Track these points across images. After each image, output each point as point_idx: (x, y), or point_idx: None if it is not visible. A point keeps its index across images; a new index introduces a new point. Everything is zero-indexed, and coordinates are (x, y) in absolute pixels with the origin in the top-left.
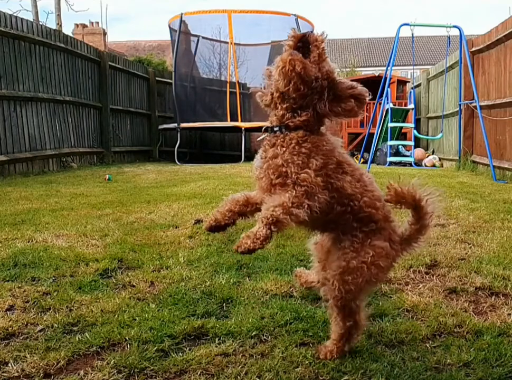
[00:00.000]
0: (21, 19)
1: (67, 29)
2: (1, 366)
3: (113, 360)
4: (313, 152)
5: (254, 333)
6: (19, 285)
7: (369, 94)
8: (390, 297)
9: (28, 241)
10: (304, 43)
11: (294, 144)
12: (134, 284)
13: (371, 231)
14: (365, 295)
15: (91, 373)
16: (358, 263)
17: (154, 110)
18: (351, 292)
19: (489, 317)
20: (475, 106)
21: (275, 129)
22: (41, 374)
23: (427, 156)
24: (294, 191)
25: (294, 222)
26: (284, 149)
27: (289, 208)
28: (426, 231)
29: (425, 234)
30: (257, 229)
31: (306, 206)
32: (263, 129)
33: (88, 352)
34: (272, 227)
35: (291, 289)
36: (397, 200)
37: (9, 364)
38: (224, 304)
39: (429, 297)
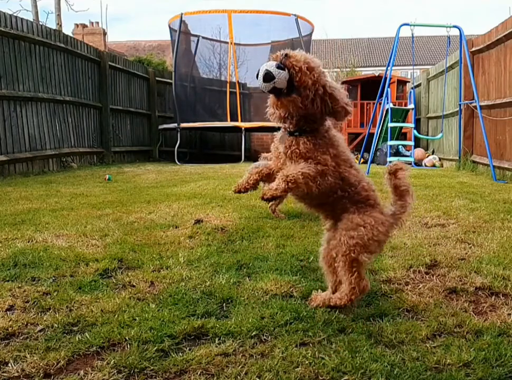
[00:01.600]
0: (21, 19)
1: (67, 29)
2: (1, 366)
3: (113, 360)
4: (329, 145)
5: (254, 333)
6: (19, 285)
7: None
8: (390, 297)
9: (28, 241)
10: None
11: (315, 140)
12: (134, 284)
13: (368, 206)
14: (369, 254)
15: (91, 373)
16: (361, 221)
17: (154, 110)
18: (357, 245)
19: (489, 317)
20: (475, 106)
21: (296, 133)
22: (41, 374)
23: (427, 156)
24: (314, 167)
25: (305, 189)
26: (308, 143)
27: (306, 176)
28: (407, 207)
29: (407, 209)
30: (277, 184)
31: (318, 182)
32: (280, 131)
33: (88, 352)
34: (290, 184)
35: (291, 289)
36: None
37: (9, 364)
38: (224, 304)
39: (429, 297)
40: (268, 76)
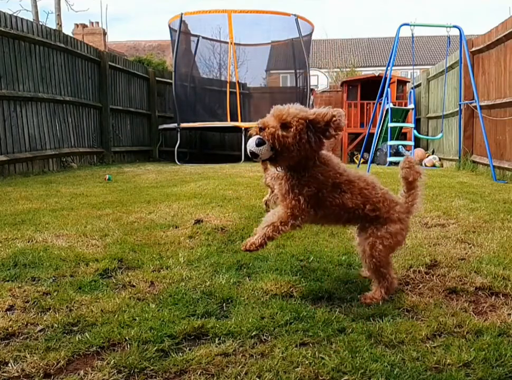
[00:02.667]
0: (21, 19)
1: (67, 29)
2: (1, 366)
3: (113, 360)
4: (310, 182)
5: (254, 333)
6: (19, 285)
7: (341, 116)
8: (390, 297)
9: (28, 241)
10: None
11: (296, 178)
12: (134, 284)
13: (383, 222)
14: (392, 254)
15: (91, 373)
16: (382, 234)
17: (154, 110)
18: (382, 256)
19: (489, 317)
20: (475, 106)
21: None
22: (41, 374)
23: (427, 156)
24: (284, 212)
25: (282, 233)
26: (290, 181)
27: (277, 226)
28: (419, 197)
29: (418, 199)
30: (255, 238)
31: (290, 224)
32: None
33: (88, 352)
34: (266, 239)
35: (291, 289)
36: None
37: (9, 364)
38: (224, 304)
39: (429, 297)
40: (254, 155)
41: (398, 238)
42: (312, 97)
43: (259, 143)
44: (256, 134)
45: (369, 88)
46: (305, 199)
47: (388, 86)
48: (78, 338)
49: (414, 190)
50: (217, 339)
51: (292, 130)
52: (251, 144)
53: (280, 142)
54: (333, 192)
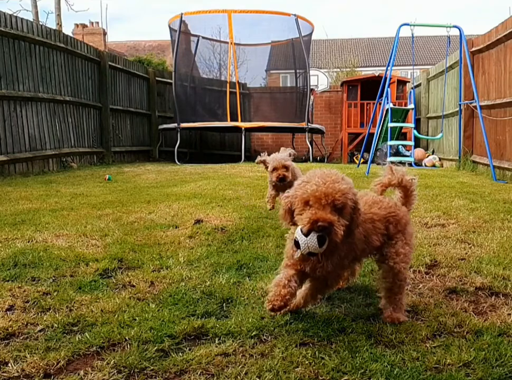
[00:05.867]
0: (21, 19)
1: (67, 29)
2: (1, 366)
3: (113, 360)
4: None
5: (254, 333)
6: (19, 285)
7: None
8: None
9: (28, 241)
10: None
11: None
12: (134, 284)
13: (401, 234)
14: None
15: (91, 373)
16: (401, 250)
17: (154, 110)
18: (403, 272)
19: (489, 317)
20: (475, 106)
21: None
22: (41, 375)
23: (427, 156)
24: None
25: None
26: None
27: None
28: (414, 199)
29: (414, 201)
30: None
31: (326, 291)
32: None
33: (88, 352)
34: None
35: None
36: (392, 185)
37: (9, 364)
38: (224, 304)
39: (429, 297)
40: (311, 254)
41: (412, 251)
42: (312, 97)
43: (323, 241)
44: (310, 229)
45: (369, 88)
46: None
47: (388, 86)
48: (78, 338)
49: (411, 195)
50: (217, 339)
51: (346, 212)
52: (312, 245)
53: (332, 238)
54: (372, 231)
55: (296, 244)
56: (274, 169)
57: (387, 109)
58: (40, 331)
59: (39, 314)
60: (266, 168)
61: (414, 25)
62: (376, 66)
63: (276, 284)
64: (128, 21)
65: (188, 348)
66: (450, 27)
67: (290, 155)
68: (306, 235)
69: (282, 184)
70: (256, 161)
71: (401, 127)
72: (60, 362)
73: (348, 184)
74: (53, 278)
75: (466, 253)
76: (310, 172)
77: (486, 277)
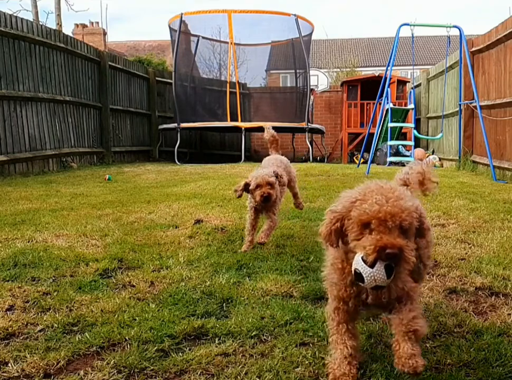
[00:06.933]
0: (21, 19)
1: (67, 29)
2: (1, 366)
3: (113, 360)
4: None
5: (254, 333)
6: (19, 285)
7: None
8: None
9: (28, 241)
10: None
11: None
12: (134, 284)
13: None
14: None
15: (91, 373)
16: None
17: (154, 110)
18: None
19: (489, 317)
20: (475, 106)
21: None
22: (41, 375)
23: (427, 156)
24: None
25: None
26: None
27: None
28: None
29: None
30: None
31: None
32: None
33: (88, 352)
34: None
35: (291, 289)
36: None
37: (9, 364)
38: (224, 304)
39: (429, 297)
40: (377, 288)
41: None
42: (312, 97)
43: (391, 271)
44: (377, 258)
45: (369, 88)
46: None
47: (388, 86)
48: (78, 338)
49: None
50: (217, 339)
51: (411, 233)
52: (380, 277)
53: (401, 266)
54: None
55: (358, 276)
56: (258, 186)
57: (387, 109)
58: (40, 331)
59: (39, 314)
60: (245, 190)
61: (414, 25)
62: (376, 66)
63: (337, 358)
64: (128, 21)
65: (188, 348)
66: (450, 27)
67: (275, 175)
68: (371, 265)
69: (265, 204)
70: (234, 188)
71: (401, 127)
72: (60, 362)
73: (413, 200)
74: (53, 278)
75: (466, 253)
76: (363, 186)
77: (486, 277)
